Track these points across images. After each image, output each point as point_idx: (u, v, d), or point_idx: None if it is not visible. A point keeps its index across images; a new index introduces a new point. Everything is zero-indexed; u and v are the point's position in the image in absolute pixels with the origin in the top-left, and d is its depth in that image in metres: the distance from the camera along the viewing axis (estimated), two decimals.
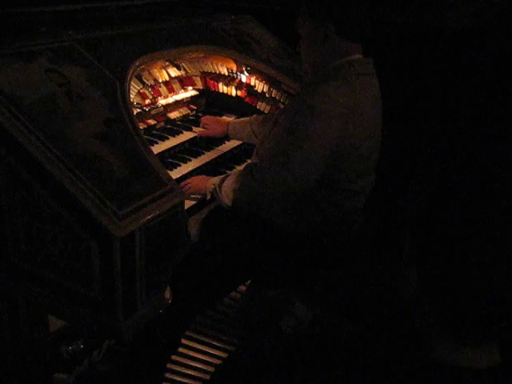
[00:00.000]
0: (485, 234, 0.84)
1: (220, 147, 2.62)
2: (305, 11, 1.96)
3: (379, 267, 2.07)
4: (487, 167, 0.90)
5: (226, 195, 1.95)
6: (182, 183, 2.15)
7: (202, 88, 2.77)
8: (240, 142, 2.70)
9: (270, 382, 1.06)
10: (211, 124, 2.63)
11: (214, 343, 2.57)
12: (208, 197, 2.05)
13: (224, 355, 2.50)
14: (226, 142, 2.68)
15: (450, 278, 0.87)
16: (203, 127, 2.65)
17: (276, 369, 1.07)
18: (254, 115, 2.56)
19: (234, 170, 2.01)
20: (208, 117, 2.70)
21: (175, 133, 2.58)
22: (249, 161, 2.36)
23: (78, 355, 1.82)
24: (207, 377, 2.31)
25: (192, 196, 2.15)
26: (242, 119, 2.62)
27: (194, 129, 2.65)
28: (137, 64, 1.98)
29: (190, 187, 2.12)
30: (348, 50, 1.95)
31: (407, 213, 0.95)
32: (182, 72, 2.49)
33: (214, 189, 2.00)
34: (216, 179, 2.04)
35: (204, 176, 2.23)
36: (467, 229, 0.85)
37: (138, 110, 2.39)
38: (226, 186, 1.96)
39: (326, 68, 1.97)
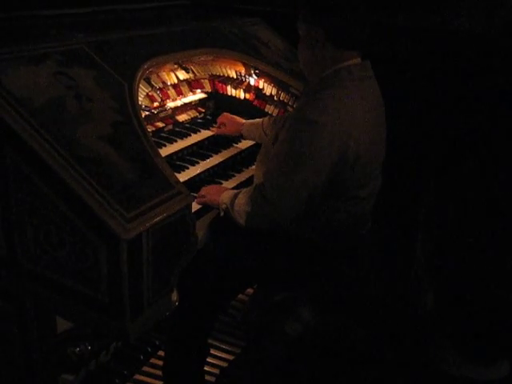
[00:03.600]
0: (505, 247, 0.81)
1: (228, 150, 2.63)
2: (301, 12, 1.94)
3: (388, 272, 2.05)
4: (504, 175, 0.87)
5: (240, 216, 1.95)
6: (198, 194, 2.15)
7: (210, 91, 2.77)
8: (248, 145, 2.71)
9: None
10: (228, 122, 2.65)
11: (220, 345, 2.58)
12: (221, 214, 2.05)
13: (229, 357, 2.51)
14: (234, 145, 2.69)
15: (467, 292, 0.84)
16: (219, 126, 2.68)
17: (281, 373, 1.07)
18: (267, 117, 2.56)
19: (245, 189, 1.99)
20: (226, 114, 2.70)
21: (183, 135, 2.59)
22: None
23: (85, 356, 1.82)
24: (212, 379, 2.31)
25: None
26: (256, 120, 2.62)
27: (211, 128, 2.71)
28: (145, 67, 1.98)
29: (205, 201, 2.12)
30: (343, 56, 1.88)
31: (420, 224, 0.93)
32: (191, 75, 2.49)
33: (226, 208, 2.00)
34: (227, 196, 2.02)
35: (219, 187, 2.23)
36: (486, 242, 0.82)
37: (147, 113, 2.39)
38: (238, 207, 1.95)
39: (323, 73, 1.92)
